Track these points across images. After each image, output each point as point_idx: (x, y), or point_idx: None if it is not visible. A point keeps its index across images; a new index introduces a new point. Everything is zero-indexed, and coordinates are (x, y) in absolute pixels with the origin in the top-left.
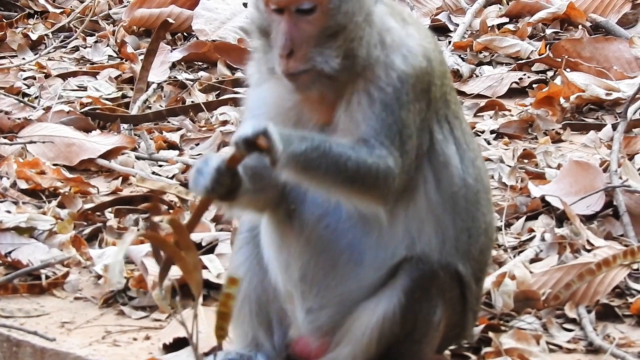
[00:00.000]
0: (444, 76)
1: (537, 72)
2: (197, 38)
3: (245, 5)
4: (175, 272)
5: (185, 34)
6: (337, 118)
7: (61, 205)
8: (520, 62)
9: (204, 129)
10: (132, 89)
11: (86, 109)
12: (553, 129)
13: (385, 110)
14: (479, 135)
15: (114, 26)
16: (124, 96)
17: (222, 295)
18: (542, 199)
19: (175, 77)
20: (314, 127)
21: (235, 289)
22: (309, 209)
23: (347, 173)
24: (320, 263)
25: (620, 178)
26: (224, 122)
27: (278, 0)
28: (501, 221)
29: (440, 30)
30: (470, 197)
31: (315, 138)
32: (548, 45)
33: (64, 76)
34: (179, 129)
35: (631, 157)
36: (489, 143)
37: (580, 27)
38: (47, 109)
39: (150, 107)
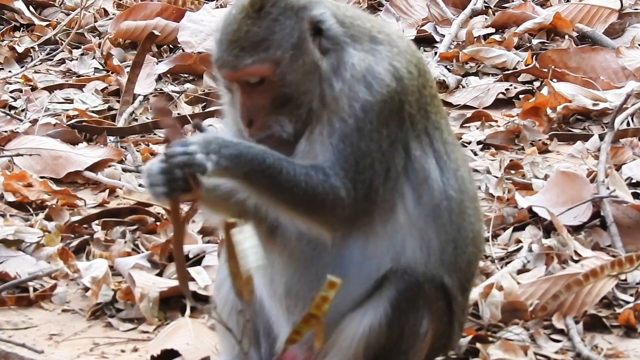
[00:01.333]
0: (423, 88)
1: (524, 83)
2: (183, 50)
3: None
4: (162, 284)
5: (171, 46)
6: (299, 146)
7: (48, 218)
8: (506, 72)
9: None
10: (118, 102)
11: (73, 121)
12: (540, 140)
13: (343, 141)
14: (466, 146)
15: (100, 39)
16: (110, 108)
17: (319, 297)
18: (529, 209)
19: (161, 89)
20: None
21: (332, 292)
22: (290, 226)
23: (291, 197)
24: (304, 278)
25: (608, 188)
26: None
27: (225, 75)
28: (488, 232)
29: (426, 41)
30: (454, 209)
31: (269, 159)
32: (534, 56)
33: (50, 89)
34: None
35: (618, 168)
36: (475, 154)
37: (566, 37)
38: (34, 121)
39: (136, 120)
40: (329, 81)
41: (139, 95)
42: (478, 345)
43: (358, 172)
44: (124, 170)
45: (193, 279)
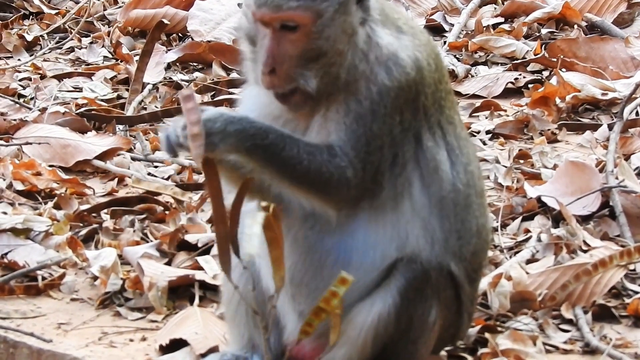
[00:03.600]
0: (439, 82)
1: (533, 72)
2: (192, 39)
3: (240, 5)
4: (171, 273)
5: (180, 34)
6: (313, 123)
7: (57, 207)
8: (515, 62)
9: None
10: (127, 90)
11: (82, 110)
12: (549, 129)
13: (357, 122)
14: (475, 136)
15: (109, 27)
16: (119, 97)
17: (328, 292)
18: (538, 199)
19: (170, 78)
20: (297, 131)
21: (343, 289)
22: (294, 209)
23: (294, 174)
24: (308, 264)
25: (617, 178)
26: None
27: (262, 15)
28: (497, 222)
29: (435, 30)
30: (460, 201)
31: (271, 135)
32: (543, 45)
33: (59, 77)
34: None
35: (627, 157)
36: (484, 143)
37: (575, 26)
38: (43, 110)
39: (145, 108)
40: (357, 55)
41: (148, 83)
42: (487, 335)
43: (368, 152)
44: (133, 159)
45: (202, 268)
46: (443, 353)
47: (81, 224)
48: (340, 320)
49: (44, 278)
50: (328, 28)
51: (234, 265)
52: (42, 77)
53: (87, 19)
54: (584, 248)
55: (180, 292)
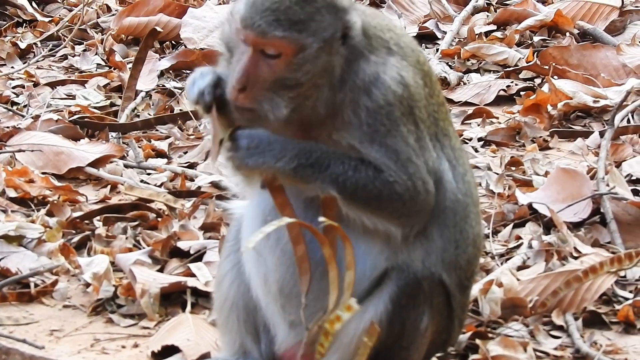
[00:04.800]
0: (429, 96)
1: (525, 80)
2: (185, 46)
3: None
4: (163, 280)
5: (173, 42)
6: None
7: (50, 214)
8: (507, 69)
9: (192, 137)
10: (120, 98)
11: (75, 117)
12: (540, 137)
13: (371, 144)
14: (467, 143)
15: (102, 35)
16: (112, 104)
17: (334, 315)
18: (530, 206)
19: (163, 86)
20: None
21: (347, 315)
22: None
23: (344, 192)
24: (297, 275)
25: (608, 185)
26: None
27: (246, 36)
28: (489, 229)
29: (427, 38)
30: (460, 211)
31: (314, 154)
32: (536, 53)
33: (52, 85)
34: (167, 137)
35: (618, 165)
36: (476, 150)
37: (567, 34)
38: (36, 117)
39: (138, 116)
40: (335, 91)
41: (141, 91)
42: (478, 341)
43: (404, 166)
44: (126, 166)
45: (194, 275)
46: (434, 359)
47: (74, 231)
48: (330, 340)
49: (36, 285)
50: (309, 63)
51: (225, 273)
52: (35, 84)
53: (81, 27)
54: (575, 255)
55: (173, 299)
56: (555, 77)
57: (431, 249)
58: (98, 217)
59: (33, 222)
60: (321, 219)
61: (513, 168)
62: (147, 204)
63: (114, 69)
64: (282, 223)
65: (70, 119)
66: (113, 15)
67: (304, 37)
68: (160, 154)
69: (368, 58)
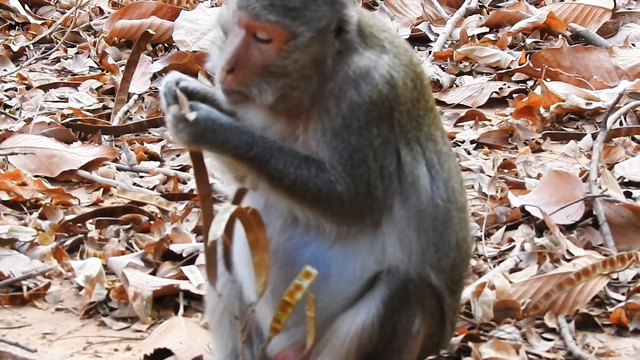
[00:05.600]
0: (417, 100)
1: (517, 82)
2: (178, 49)
3: None
4: (156, 283)
5: (166, 45)
6: (297, 140)
7: (42, 217)
8: (500, 71)
9: None
10: (113, 100)
11: (67, 120)
12: (533, 139)
13: (335, 138)
14: (459, 145)
15: (95, 37)
16: (105, 107)
17: (293, 285)
18: (522, 208)
19: (156, 88)
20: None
21: (306, 282)
22: (272, 221)
23: (281, 186)
24: (288, 277)
25: (600, 188)
26: None
27: (239, 17)
28: (481, 231)
29: (420, 40)
30: (439, 216)
31: (256, 148)
32: (528, 55)
33: (45, 87)
34: (160, 140)
35: (611, 167)
36: (469, 153)
37: (560, 36)
38: (29, 120)
39: (131, 119)
40: (324, 81)
41: (134, 94)
42: (470, 344)
43: (353, 166)
44: (118, 169)
45: (186, 278)
46: None
47: (66, 234)
48: (314, 322)
49: (29, 288)
50: (299, 51)
51: (219, 273)
52: (28, 87)
53: (73, 30)
54: (567, 257)
55: (165, 302)
56: (548, 79)
57: (411, 252)
58: (91, 220)
59: (25, 225)
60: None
61: (505, 170)
62: (140, 207)
63: (107, 72)
64: (231, 210)
65: (63, 121)
66: (106, 17)
67: (297, 24)
68: (152, 157)
69: (362, 53)
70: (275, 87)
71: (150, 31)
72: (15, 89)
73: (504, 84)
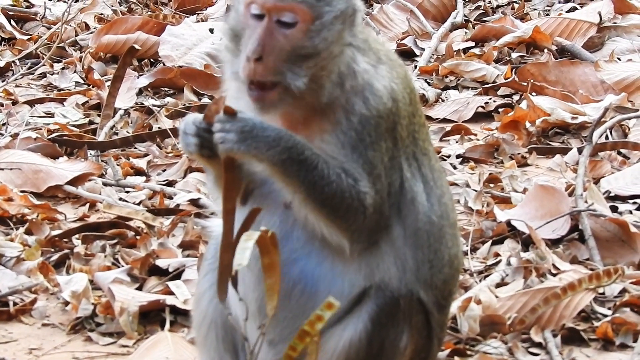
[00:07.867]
0: (412, 115)
1: (503, 96)
2: (164, 64)
3: (211, 31)
4: (142, 298)
5: (151, 60)
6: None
7: (29, 232)
8: (486, 86)
9: (170, 154)
10: (99, 116)
11: (53, 135)
12: (519, 153)
13: (353, 152)
14: (445, 160)
15: (81, 52)
16: (91, 122)
17: (314, 315)
18: (508, 223)
19: (142, 103)
20: None
21: (328, 313)
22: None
23: (321, 196)
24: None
25: (586, 202)
26: None
27: (262, 4)
28: (467, 246)
29: (406, 54)
30: (435, 233)
31: (307, 151)
32: (514, 69)
33: (31, 103)
34: (146, 155)
35: (597, 181)
36: (454, 167)
37: (545, 50)
38: (15, 135)
39: (117, 134)
40: (337, 78)
41: (120, 109)
42: (456, 358)
43: (374, 181)
44: (105, 184)
45: (172, 293)
46: None
47: (52, 249)
48: (317, 347)
49: (15, 303)
50: (326, 30)
51: (203, 291)
52: (14, 102)
53: (59, 45)
54: (554, 271)
55: (151, 317)
56: (534, 93)
57: (405, 268)
58: (77, 236)
59: (12, 240)
60: (263, 227)
61: (491, 185)
62: (126, 222)
63: (93, 87)
64: (255, 237)
65: (49, 137)
66: (91, 33)
67: (321, 4)
68: (138, 172)
69: (363, 59)
70: (307, 69)
71: (136, 46)
72: (2, 104)
73: (490, 99)
